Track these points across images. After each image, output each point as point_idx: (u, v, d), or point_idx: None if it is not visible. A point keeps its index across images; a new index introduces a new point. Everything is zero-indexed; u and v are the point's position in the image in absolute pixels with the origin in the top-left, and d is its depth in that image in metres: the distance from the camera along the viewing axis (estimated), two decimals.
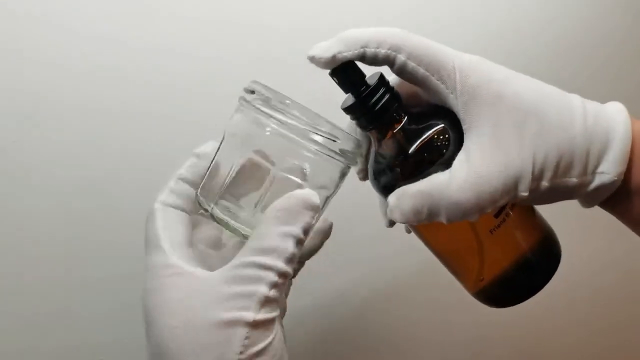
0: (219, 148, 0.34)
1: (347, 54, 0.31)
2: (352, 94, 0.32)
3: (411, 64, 0.31)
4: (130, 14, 0.50)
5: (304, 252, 0.37)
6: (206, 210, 0.33)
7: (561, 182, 0.31)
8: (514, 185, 0.30)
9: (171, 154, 0.49)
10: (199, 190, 0.34)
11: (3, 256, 0.48)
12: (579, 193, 0.32)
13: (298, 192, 0.30)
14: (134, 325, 0.49)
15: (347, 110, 0.33)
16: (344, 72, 0.31)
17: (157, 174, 0.49)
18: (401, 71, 0.31)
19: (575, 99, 0.32)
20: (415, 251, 0.53)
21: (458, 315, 0.60)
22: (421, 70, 0.31)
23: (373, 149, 0.34)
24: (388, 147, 0.32)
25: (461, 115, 0.30)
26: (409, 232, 0.37)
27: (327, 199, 0.34)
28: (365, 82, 0.32)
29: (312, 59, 0.31)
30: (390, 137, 0.32)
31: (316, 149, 0.31)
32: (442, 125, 0.31)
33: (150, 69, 0.50)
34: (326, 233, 0.37)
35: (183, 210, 0.34)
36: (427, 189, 0.30)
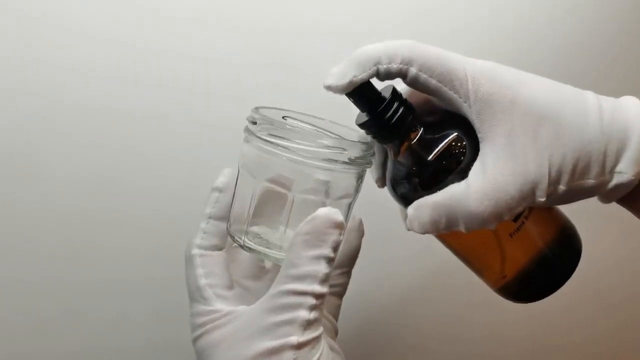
0: (236, 182, 0.35)
1: (362, 75, 0.31)
2: (367, 111, 0.32)
3: (423, 76, 0.31)
4: (135, 14, 0.50)
5: (347, 258, 0.38)
6: (240, 244, 0.35)
7: (578, 184, 0.30)
8: (531, 192, 0.30)
9: (177, 155, 0.51)
10: (228, 225, 0.35)
11: (5, 256, 0.49)
12: (597, 192, 0.31)
13: (320, 212, 0.31)
14: (138, 327, 0.52)
15: (362, 126, 0.33)
16: (359, 93, 0.32)
17: (163, 174, 0.51)
18: (414, 83, 0.31)
19: (591, 97, 0.31)
20: (430, 252, 0.53)
21: (471, 314, 0.61)
22: (433, 82, 0.31)
23: (390, 159, 0.34)
24: (405, 159, 0.33)
25: (476, 124, 0.30)
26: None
27: (350, 206, 0.35)
28: (380, 97, 0.32)
29: (329, 88, 0.31)
30: (406, 149, 0.32)
31: (327, 167, 0.32)
32: (457, 134, 0.32)
33: (156, 70, 0.51)
34: (360, 230, 0.39)
35: (220, 248, 0.35)
36: (445, 201, 0.30)
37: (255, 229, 0.34)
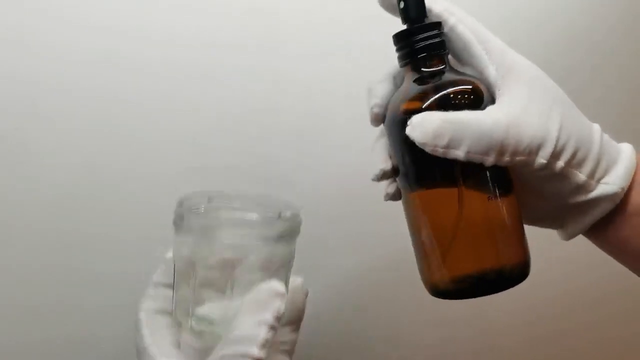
0: (174, 271, 0.36)
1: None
2: (413, 22, 0.34)
3: (461, 26, 0.34)
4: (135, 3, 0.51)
5: (294, 316, 0.39)
6: (187, 328, 0.35)
7: (572, 172, 0.33)
8: (538, 147, 0.31)
9: (173, 147, 0.52)
10: (173, 309, 0.36)
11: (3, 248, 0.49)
12: (578, 198, 0.33)
13: (263, 286, 0.32)
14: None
15: (403, 34, 0.34)
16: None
17: (160, 166, 0.51)
18: (451, 30, 0.34)
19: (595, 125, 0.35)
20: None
21: (458, 312, 0.60)
22: (469, 34, 0.34)
23: (408, 80, 0.35)
24: (427, 80, 0.34)
25: (498, 83, 0.33)
26: (391, 199, 0.37)
27: (289, 265, 0.37)
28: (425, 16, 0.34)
29: None
30: (434, 70, 0.34)
31: (262, 244, 0.33)
32: (482, 83, 0.34)
33: (156, 61, 0.52)
34: (304, 292, 0.39)
35: (166, 311, 0.36)
36: (456, 119, 0.31)
37: (199, 314, 0.35)
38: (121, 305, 0.49)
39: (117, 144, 0.51)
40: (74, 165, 0.50)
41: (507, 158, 0.31)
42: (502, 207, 0.33)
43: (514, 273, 0.34)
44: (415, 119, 0.31)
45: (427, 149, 0.31)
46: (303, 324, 0.39)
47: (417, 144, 0.31)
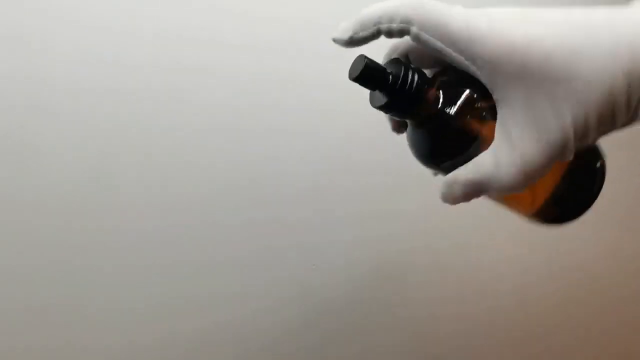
0: None
1: (363, 34, 0.32)
2: (380, 92, 0.33)
3: (425, 36, 0.30)
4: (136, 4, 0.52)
5: None
6: None
7: (605, 132, 0.30)
8: (559, 154, 0.30)
9: (176, 142, 0.53)
10: None
11: (6, 245, 0.49)
12: (626, 127, 0.31)
13: None
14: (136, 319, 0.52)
15: (381, 109, 0.33)
16: (364, 78, 0.32)
17: (163, 162, 0.53)
18: (417, 42, 0.31)
19: (603, 30, 0.29)
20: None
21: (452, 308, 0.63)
22: (436, 43, 0.30)
23: (410, 126, 0.35)
24: (425, 126, 0.33)
25: (488, 85, 0.30)
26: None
27: None
28: (387, 75, 0.32)
29: (334, 41, 0.33)
30: (425, 117, 0.33)
31: None
32: (473, 95, 0.31)
33: (160, 58, 0.52)
34: None
35: None
36: (476, 177, 0.31)
37: None
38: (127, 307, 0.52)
39: (119, 144, 0.52)
40: (79, 165, 0.51)
41: (537, 179, 0.31)
42: None
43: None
44: (443, 189, 0.32)
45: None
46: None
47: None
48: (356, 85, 0.33)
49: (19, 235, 0.49)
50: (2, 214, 0.49)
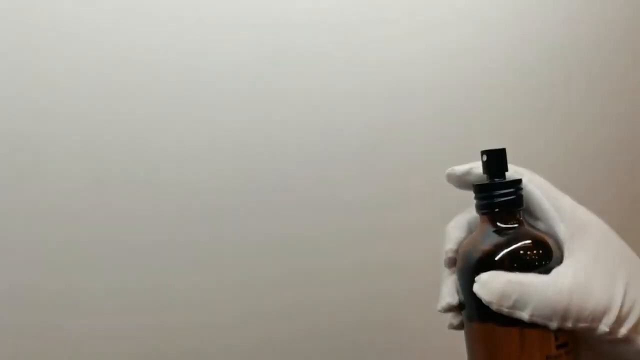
0: None
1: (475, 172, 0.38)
2: (494, 176, 0.36)
3: (531, 185, 0.36)
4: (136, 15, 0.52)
5: None
6: None
7: (637, 337, 0.32)
8: (601, 314, 0.31)
9: (181, 151, 0.53)
10: None
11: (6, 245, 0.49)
12: None
13: None
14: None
15: (486, 186, 0.36)
16: (498, 156, 0.36)
17: (168, 171, 0.53)
18: (526, 188, 0.36)
19: None
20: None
21: None
22: (538, 193, 0.36)
23: (485, 229, 0.36)
24: (501, 232, 0.35)
25: (567, 242, 0.34)
26: (455, 328, 0.38)
27: None
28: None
29: (449, 175, 0.39)
30: (508, 226, 0.35)
31: None
32: (551, 239, 0.35)
33: (165, 68, 0.53)
34: None
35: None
36: (525, 281, 0.32)
37: None
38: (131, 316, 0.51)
39: (122, 145, 0.52)
40: (84, 172, 0.51)
41: (569, 324, 0.32)
42: None
43: None
44: (483, 277, 0.33)
45: (493, 307, 0.33)
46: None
47: (483, 302, 0.33)
48: None
49: (19, 236, 0.49)
50: (2, 214, 0.49)
